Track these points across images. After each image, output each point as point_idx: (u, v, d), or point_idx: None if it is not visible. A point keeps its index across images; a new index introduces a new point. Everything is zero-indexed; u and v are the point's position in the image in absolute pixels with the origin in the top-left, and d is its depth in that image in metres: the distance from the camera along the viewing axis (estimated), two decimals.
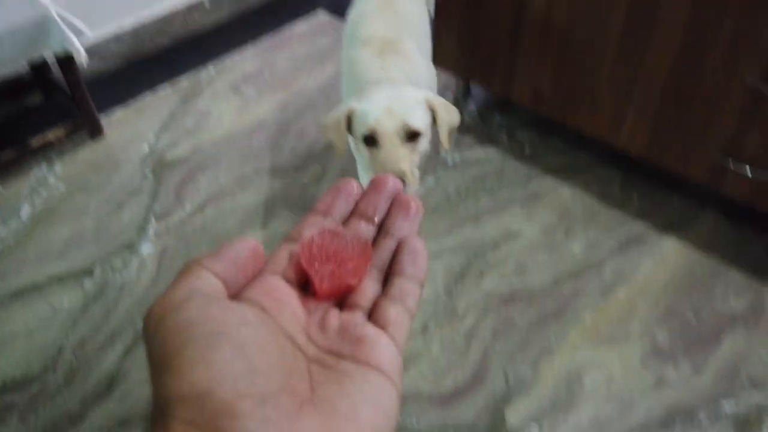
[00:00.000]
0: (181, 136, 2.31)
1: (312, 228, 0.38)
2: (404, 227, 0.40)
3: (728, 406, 1.46)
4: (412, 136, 1.36)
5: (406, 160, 1.33)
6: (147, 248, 1.90)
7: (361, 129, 1.38)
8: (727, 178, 1.68)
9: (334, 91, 2.47)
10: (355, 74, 1.61)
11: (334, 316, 0.34)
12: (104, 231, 1.96)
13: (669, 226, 1.87)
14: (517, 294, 1.71)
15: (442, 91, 2.41)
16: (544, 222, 1.90)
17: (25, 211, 2.05)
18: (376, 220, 0.40)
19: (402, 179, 1.27)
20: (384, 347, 0.33)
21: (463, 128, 2.25)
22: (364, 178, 1.64)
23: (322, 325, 0.34)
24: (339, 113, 1.43)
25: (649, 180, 2.01)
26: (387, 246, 0.39)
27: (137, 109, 2.45)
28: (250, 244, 0.35)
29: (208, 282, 0.32)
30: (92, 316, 1.72)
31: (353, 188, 0.41)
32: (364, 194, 0.41)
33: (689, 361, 1.55)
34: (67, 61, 2.08)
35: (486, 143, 2.19)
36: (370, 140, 1.37)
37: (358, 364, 0.32)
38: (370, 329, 0.34)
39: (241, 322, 0.30)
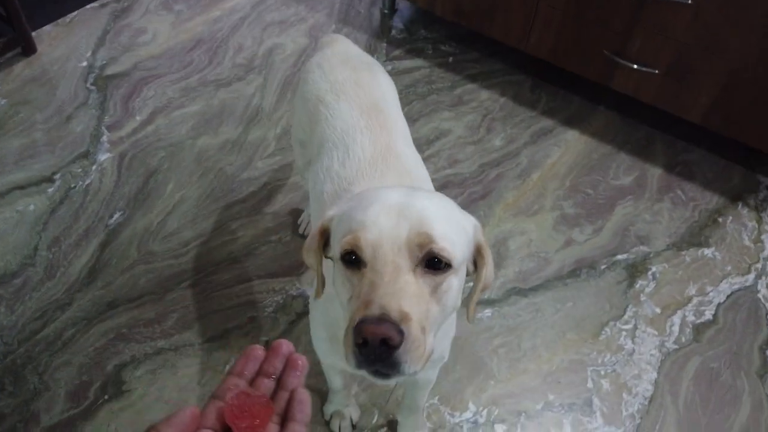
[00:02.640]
0: (119, 52, 2.36)
1: (230, 389, 0.58)
2: (294, 382, 0.60)
3: (621, 257, 1.82)
4: (432, 262, 0.76)
5: (413, 297, 0.73)
6: (104, 156, 1.99)
7: (338, 240, 0.81)
8: (617, 74, 2.02)
9: (267, 9, 2.58)
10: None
11: None
12: (57, 142, 2.03)
13: (571, 120, 2.20)
14: (451, 181, 1.99)
15: (368, 6, 2.60)
16: (469, 121, 2.18)
17: None
18: (275, 377, 0.61)
19: (396, 325, 0.69)
20: None
21: (392, 41, 2.46)
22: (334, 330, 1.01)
23: None
24: (313, 231, 0.91)
25: (553, 82, 2.32)
26: (283, 397, 0.59)
27: (67, 27, 2.45)
28: (190, 411, 0.54)
29: None
30: (61, 218, 1.82)
31: (258, 353, 0.62)
32: (266, 357, 0.61)
33: (590, 225, 1.90)
34: None
35: (414, 55, 2.41)
36: (352, 258, 0.78)
37: None
38: None
39: None
